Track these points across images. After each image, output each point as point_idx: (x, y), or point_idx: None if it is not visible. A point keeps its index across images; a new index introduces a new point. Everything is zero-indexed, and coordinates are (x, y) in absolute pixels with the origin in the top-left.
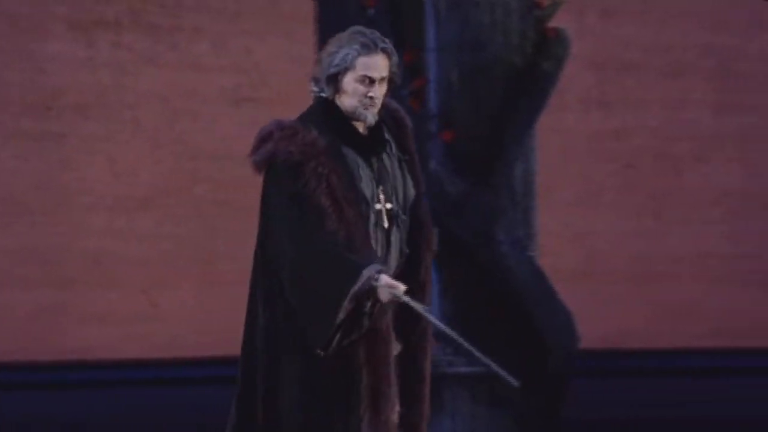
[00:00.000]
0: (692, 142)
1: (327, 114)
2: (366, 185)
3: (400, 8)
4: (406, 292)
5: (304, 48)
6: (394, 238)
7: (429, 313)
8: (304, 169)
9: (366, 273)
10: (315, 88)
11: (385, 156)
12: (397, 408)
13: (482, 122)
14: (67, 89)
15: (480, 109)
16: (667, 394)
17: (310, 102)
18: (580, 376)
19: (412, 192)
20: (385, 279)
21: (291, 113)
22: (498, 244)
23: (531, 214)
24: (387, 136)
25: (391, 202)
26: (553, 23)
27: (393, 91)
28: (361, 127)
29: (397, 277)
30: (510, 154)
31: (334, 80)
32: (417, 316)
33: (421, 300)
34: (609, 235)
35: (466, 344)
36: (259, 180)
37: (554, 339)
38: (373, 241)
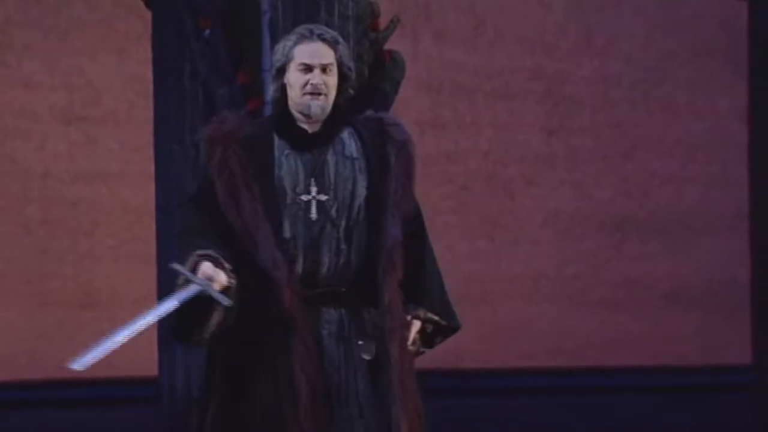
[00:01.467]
0: (523, 164)
1: (273, 109)
2: (288, 174)
3: (236, 29)
4: (226, 289)
5: (137, 66)
6: (327, 232)
7: (226, 303)
8: (214, 151)
9: (191, 258)
10: (268, 93)
11: (330, 151)
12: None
13: None
14: None
15: None
16: (501, 413)
17: (143, 121)
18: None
19: (361, 192)
20: (204, 267)
21: (124, 131)
22: None
23: None
24: (346, 136)
25: (327, 195)
26: (388, 46)
27: (342, 89)
28: (310, 122)
29: (341, 281)
30: None
31: (280, 76)
32: (400, 324)
33: (386, 322)
34: (443, 256)
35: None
36: (90, 200)
37: None
38: (287, 228)
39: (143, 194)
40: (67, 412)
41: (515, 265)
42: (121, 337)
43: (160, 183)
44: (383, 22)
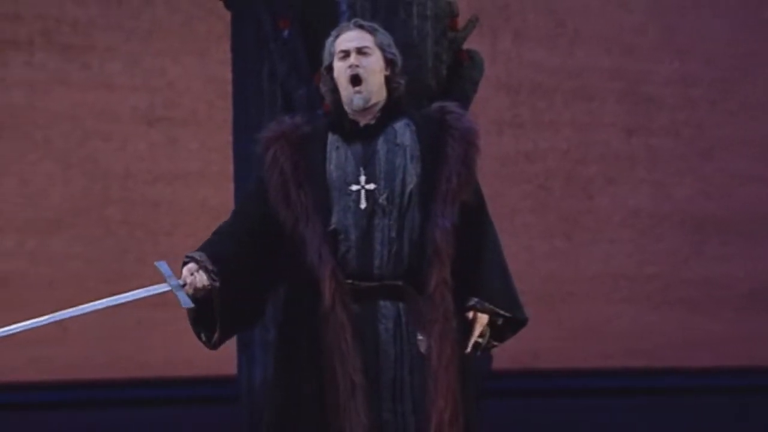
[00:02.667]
0: (602, 163)
1: (330, 107)
2: (337, 167)
3: (314, 30)
4: (213, 289)
5: (217, 67)
6: (377, 221)
7: (184, 305)
8: (267, 153)
9: (187, 257)
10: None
11: (380, 140)
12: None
13: None
14: None
15: None
16: (578, 414)
17: (223, 121)
18: (491, 396)
19: (411, 180)
20: (185, 268)
21: (204, 132)
22: None
23: None
24: (400, 126)
25: (375, 183)
26: (466, 46)
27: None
28: (362, 115)
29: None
30: None
31: (330, 74)
32: (442, 314)
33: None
34: (521, 256)
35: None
36: (169, 200)
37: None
38: (338, 220)
39: (222, 194)
40: (146, 412)
41: (594, 264)
42: (70, 314)
43: (239, 183)
44: (462, 21)
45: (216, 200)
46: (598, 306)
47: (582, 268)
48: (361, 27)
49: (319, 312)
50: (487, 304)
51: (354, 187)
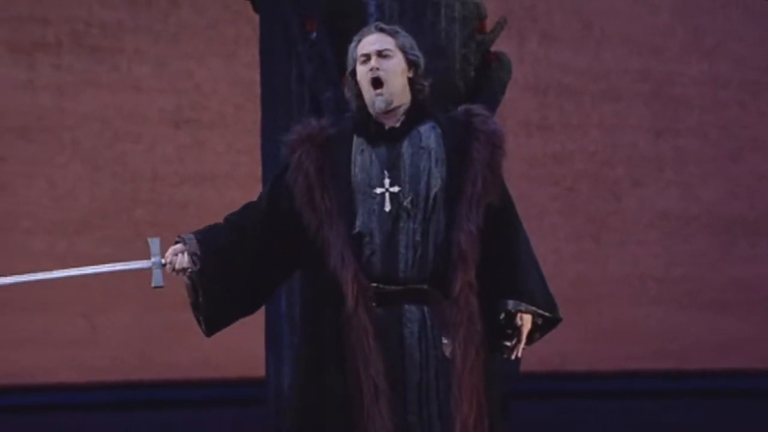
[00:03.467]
0: (630, 165)
1: (354, 110)
2: (362, 169)
3: (342, 32)
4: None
5: (245, 70)
6: (402, 225)
7: (153, 284)
8: (293, 156)
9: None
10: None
11: (405, 143)
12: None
13: None
14: (7, 112)
15: None
16: (607, 416)
17: (251, 124)
18: (520, 398)
19: (436, 183)
20: (171, 248)
21: (231, 134)
22: None
23: None
24: (425, 129)
25: (400, 186)
26: (494, 48)
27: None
28: (386, 118)
29: (420, 276)
30: None
31: (354, 78)
32: (467, 317)
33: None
34: (549, 258)
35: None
36: (198, 202)
37: (494, 362)
38: (362, 224)
39: (250, 196)
40: (176, 413)
41: (622, 266)
42: (53, 276)
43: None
44: (490, 24)
45: (244, 202)
46: (626, 308)
47: (610, 270)
48: (381, 30)
49: (342, 315)
50: (531, 307)
51: (378, 190)
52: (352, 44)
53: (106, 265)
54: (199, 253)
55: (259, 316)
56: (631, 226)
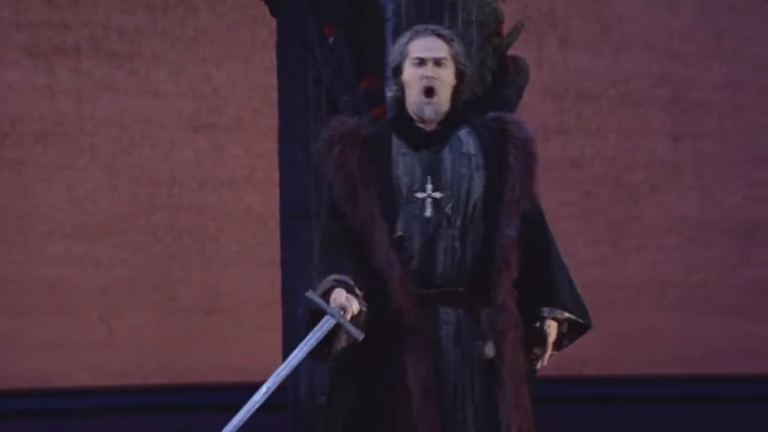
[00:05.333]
0: (649, 170)
1: (393, 109)
2: (405, 172)
3: (360, 37)
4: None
5: (262, 74)
6: (442, 230)
7: (359, 337)
8: (332, 152)
9: (325, 283)
10: (388, 92)
11: (447, 149)
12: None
13: None
14: (26, 117)
15: None
16: (625, 421)
17: (268, 128)
18: (538, 403)
19: (477, 190)
20: (336, 294)
21: (250, 139)
22: None
23: None
24: (464, 134)
25: (442, 193)
26: (512, 52)
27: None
28: (427, 123)
29: (457, 280)
30: None
31: (398, 75)
32: (513, 323)
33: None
34: (567, 263)
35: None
36: (215, 206)
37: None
38: (403, 227)
39: (268, 200)
40: (194, 417)
41: (641, 271)
42: (263, 395)
43: (285, 189)
44: (507, 28)
45: (261, 206)
46: (646, 313)
47: (629, 275)
48: (439, 36)
49: (385, 316)
50: (565, 313)
51: (420, 195)
52: (403, 40)
53: (298, 351)
54: (361, 292)
55: (276, 319)
56: (650, 231)
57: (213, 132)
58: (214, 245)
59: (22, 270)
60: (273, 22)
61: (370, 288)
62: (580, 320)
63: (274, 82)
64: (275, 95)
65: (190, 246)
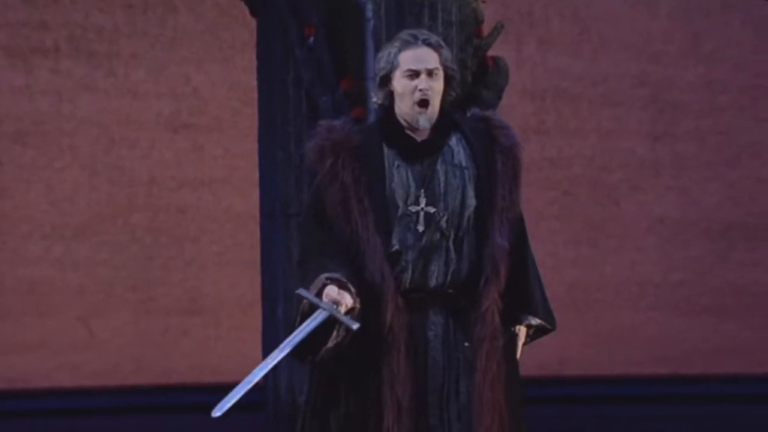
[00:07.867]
0: (627, 170)
1: (380, 117)
2: (399, 186)
3: (340, 37)
4: (351, 309)
5: (242, 74)
6: (436, 243)
7: (354, 327)
8: (324, 162)
9: (318, 281)
10: (374, 99)
11: (439, 161)
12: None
13: None
14: (4, 117)
15: None
16: (605, 421)
17: (248, 128)
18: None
19: (471, 202)
20: (328, 290)
21: (229, 139)
22: None
23: None
24: (454, 143)
25: (435, 207)
26: (491, 53)
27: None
28: (418, 131)
29: (448, 293)
30: None
31: (385, 84)
32: (490, 333)
33: (477, 330)
34: (546, 263)
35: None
36: (194, 206)
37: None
38: (397, 240)
39: (248, 201)
40: (173, 418)
41: (620, 271)
42: (256, 376)
43: (264, 189)
44: (487, 29)
45: (241, 207)
46: (625, 313)
47: (608, 275)
48: (428, 44)
49: (375, 329)
50: (536, 320)
51: (413, 209)
52: (392, 49)
53: (290, 339)
54: (354, 289)
55: (256, 320)
56: (629, 231)
57: (192, 132)
58: (193, 246)
59: (1, 270)
60: (253, 23)
61: (361, 299)
62: (549, 327)
63: (254, 82)
64: (255, 95)
65: (169, 246)
